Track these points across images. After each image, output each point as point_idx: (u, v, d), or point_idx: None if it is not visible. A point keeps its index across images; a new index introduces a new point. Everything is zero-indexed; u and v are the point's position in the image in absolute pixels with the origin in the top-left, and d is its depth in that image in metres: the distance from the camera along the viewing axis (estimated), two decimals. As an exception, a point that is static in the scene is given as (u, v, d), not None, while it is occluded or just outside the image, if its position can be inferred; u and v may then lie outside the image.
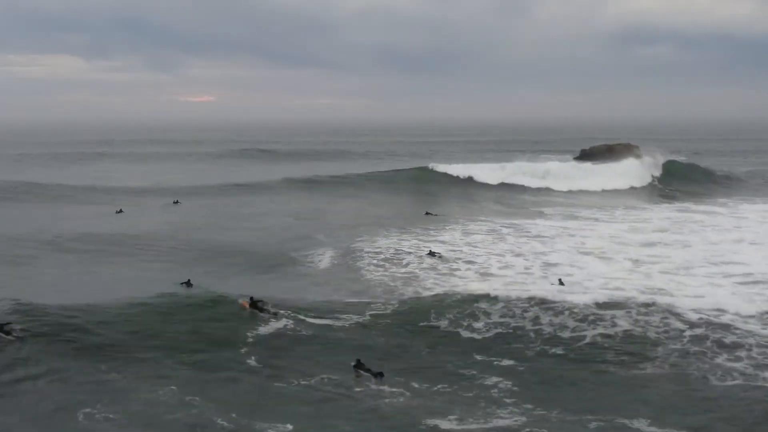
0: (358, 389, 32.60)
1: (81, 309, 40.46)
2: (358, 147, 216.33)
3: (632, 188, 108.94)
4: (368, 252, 60.39)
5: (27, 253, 58.52)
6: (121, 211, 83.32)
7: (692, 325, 39.56)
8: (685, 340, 38.06)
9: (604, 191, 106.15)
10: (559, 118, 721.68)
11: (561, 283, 50.15)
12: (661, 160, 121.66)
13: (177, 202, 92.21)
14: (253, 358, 35.68)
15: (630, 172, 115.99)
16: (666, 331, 38.96)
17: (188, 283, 49.25)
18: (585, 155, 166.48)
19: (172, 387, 32.03)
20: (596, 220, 79.96)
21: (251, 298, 42.07)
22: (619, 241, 66.04)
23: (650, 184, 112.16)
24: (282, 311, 41.44)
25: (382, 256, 58.97)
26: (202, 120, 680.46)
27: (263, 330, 38.86)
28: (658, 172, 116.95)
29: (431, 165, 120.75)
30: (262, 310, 41.16)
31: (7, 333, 35.75)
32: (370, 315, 42.02)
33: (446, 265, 56.50)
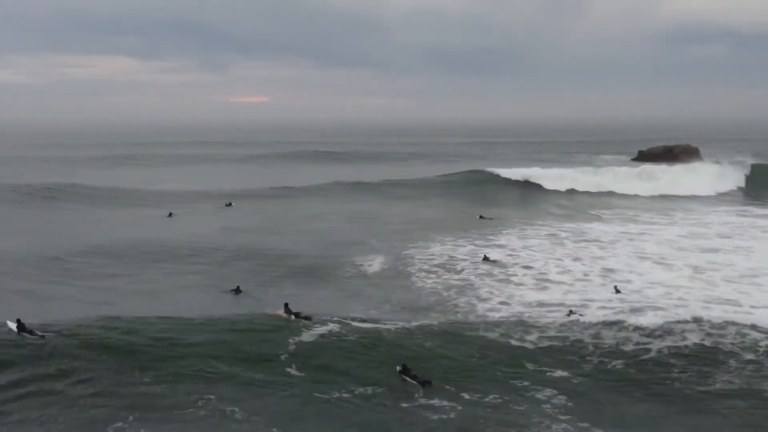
0: (405, 404, 30.70)
1: (121, 316, 39.36)
2: (410, 148, 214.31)
3: (695, 190, 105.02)
4: (421, 258, 58.89)
5: (74, 258, 57.83)
6: (171, 214, 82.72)
7: (765, 337, 37.30)
8: (759, 353, 35.77)
9: (662, 194, 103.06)
10: (611, 117, 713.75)
11: (617, 290, 48.28)
12: (727, 161, 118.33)
13: (230, 204, 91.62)
14: (294, 366, 33.84)
15: (701, 175, 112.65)
16: (736, 345, 36.66)
17: (237, 290, 48.51)
18: (643, 156, 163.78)
19: (210, 397, 30.58)
20: (655, 224, 77.84)
21: (285, 305, 40.63)
22: (679, 247, 64.00)
23: (716, 187, 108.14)
24: (326, 317, 39.98)
25: (436, 262, 57.44)
26: (255, 121, 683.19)
27: (306, 338, 37.01)
28: (728, 176, 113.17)
29: (486, 168, 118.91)
30: (297, 315, 39.74)
31: (31, 333, 34.97)
32: (419, 324, 40.26)
33: (503, 270, 54.89)
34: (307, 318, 39.34)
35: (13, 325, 35.45)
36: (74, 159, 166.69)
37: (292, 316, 39.58)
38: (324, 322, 39.17)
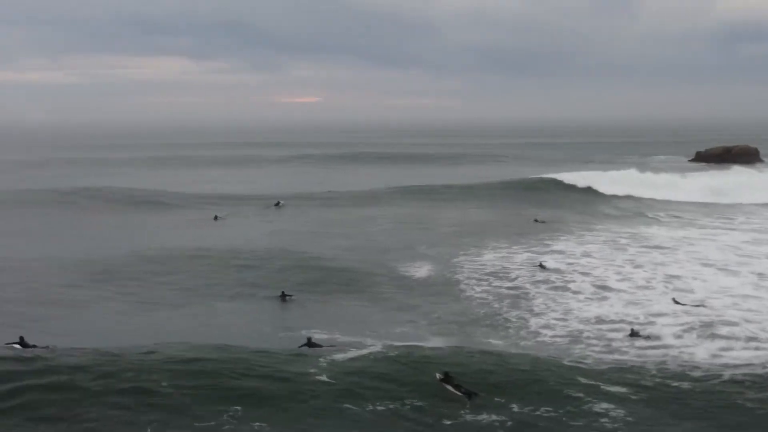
0: (447, 420, 27.75)
1: (154, 323, 38.43)
2: (462, 149, 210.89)
3: (757, 194, 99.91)
4: (471, 265, 56.38)
5: (114, 265, 55.83)
6: (217, 217, 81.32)
7: None
8: None
9: (723, 197, 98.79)
10: (666, 118, 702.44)
11: (676, 302, 45.29)
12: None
13: (279, 203, 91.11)
14: (325, 378, 30.98)
15: (763, 177, 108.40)
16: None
17: (283, 296, 47.21)
18: (701, 157, 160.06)
19: (237, 408, 28.18)
20: (716, 228, 74.54)
21: (309, 339, 37.02)
22: (742, 253, 60.95)
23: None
24: (364, 328, 38.53)
25: (488, 270, 54.71)
26: (306, 121, 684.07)
27: (340, 353, 34.40)
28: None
29: (542, 170, 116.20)
30: (321, 346, 36.35)
31: (35, 346, 34.46)
32: (464, 338, 38.15)
33: (560, 277, 52.29)
34: (332, 346, 36.52)
35: (16, 345, 34.91)
36: (126, 160, 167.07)
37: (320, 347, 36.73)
38: (361, 334, 37.39)
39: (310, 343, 36.36)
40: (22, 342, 34.94)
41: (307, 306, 45.81)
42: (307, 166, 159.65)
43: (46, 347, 34.06)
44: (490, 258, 58.86)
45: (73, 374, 30.24)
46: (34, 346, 34.29)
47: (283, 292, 47.57)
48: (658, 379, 31.92)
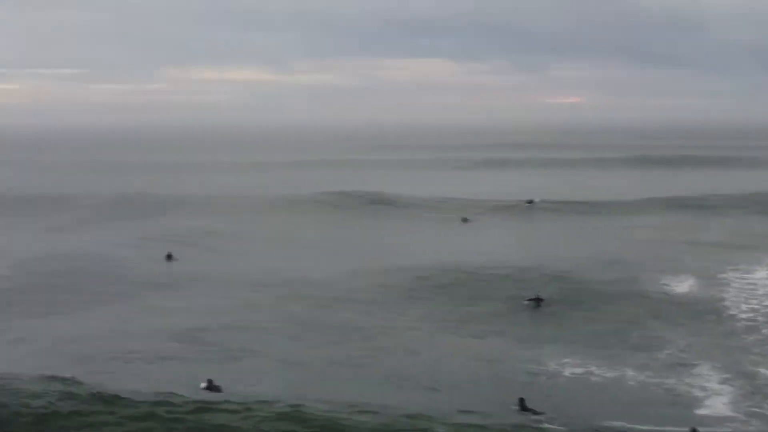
0: None
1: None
2: (735, 152, 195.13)
3: None
4: (742, 282, 51.07)
5: (346, 283, 53.12)
6: (466, 220, 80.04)
7: None
8: None
9: None
10: None
11: None
12: None
13: (531, 201, 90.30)
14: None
15: None
16: None
17: (537, 300, 46.58)
18: None
19: None
20: None
21: (521, 400, 31.68)
22: None
23: None
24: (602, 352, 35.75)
25: (760, 290, 49.01)
26: (568, 121, 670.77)
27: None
28: None
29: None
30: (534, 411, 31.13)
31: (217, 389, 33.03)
32: (726, 362, 34.02)
33: None
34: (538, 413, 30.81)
35: (203, 385, 33.64)
36: (388, 162, 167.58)
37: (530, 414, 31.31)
38: (616, 363, 34.76)
39: (522, 406, 31.40)
40: (210, 385, 33.54)
41: (559, 319, 43.75)
42: (562, 168, 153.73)
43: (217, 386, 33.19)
44: (763, 275, 53.18)
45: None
46: (219, 390, 32.96)
47: (537, 296, 46.71)
48: None
